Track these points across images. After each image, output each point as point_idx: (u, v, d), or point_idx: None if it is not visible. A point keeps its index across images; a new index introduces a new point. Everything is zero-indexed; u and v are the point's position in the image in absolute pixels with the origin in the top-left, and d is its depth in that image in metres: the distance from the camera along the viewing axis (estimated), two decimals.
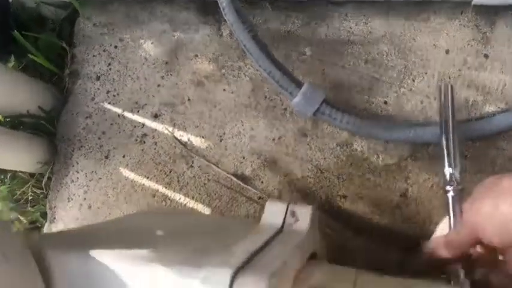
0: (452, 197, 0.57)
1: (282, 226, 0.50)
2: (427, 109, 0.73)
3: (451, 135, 0.61)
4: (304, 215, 0.51)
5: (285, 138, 0.78)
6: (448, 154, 0.60)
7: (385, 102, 0.74)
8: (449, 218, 0.56)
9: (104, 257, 0.41)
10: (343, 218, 0.75)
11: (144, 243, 0.44)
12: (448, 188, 0.57)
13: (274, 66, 0.71)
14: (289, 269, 0.41)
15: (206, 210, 0.82)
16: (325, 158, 0.76)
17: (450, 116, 0.62)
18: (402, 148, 0.73)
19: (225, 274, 0.35)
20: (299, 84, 0.71)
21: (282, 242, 0.45)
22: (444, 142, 0.61)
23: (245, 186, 0.79)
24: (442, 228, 0.59)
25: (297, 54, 0.80)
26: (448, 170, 0.59)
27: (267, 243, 0.44)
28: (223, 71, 0.84)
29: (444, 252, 0.52)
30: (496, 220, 0.45)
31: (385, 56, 0.76)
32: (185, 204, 0.83)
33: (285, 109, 0.79)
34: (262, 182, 0.79)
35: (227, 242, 0.45)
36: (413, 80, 0.74)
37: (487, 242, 0.47)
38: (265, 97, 0.81)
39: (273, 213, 0.51)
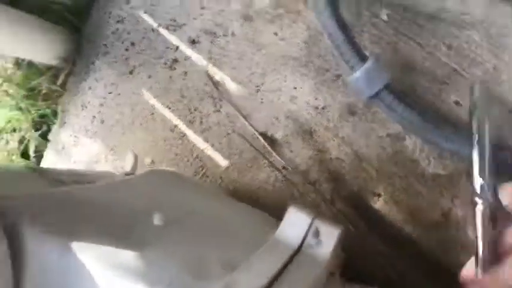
0: (482, 213, 0.46)
1: (301, 244, 0.46)
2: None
3: (486, 139, 0.51)
4: (329, 238, 0.46)
5: (329, 110, 0.72)
6: (481, 159, 0.50)
7: (457, 103, 0.65)
8: (476, 240, 0.46)
9: (87, 255, 0.38)
10: (371, 218, 0.71)
11: (138, 237, 0.41)
12: (477, 200, 0.47)
13: (339, 29, 0.62)
14: None
15: (223, 163, 0.78)
16: (368, 146, 0.70)
17: (484, 119, 0.52)
18: (460, 161, 0.66)
19: None
20: (363, 58, 0.62)
21: (298, 273, 0.41)
22: (476, 146, 0.51)
23: (271, 150, 0.74)
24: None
25: (370, 15, 0.69)
26: (478, 179, 0.49)
27: (280, 272, 0.40)
28: (279, 10, 0.75)
29: None
30: None
31: (474, 47, 0.65)
32: (202, 150, 0.80)
33: (338, 76, 0.71)
34: (291, 151, 0.74)
35: (234, 253, 0.42)
36: (499, 85, 0.65)
37: None
38: (319, 55, 0.72)
39: (294, 224, 0.47)
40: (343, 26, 0.62)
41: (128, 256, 0.38)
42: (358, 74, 0.62)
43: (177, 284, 0.36)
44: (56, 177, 0.59)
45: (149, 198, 0.49)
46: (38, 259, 0.39)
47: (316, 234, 0.46)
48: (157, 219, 0.45)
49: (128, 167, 0.69)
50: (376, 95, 0.63)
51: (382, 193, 0.69)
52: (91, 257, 0.37)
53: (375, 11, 0.69)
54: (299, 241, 0.46)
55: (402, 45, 0.67)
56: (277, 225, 0.49)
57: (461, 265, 0.52)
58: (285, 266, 0.42)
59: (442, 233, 0.67)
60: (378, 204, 0.70)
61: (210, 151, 0.79)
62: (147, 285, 0.35)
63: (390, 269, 0.72)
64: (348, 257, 0.64)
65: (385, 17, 0.69)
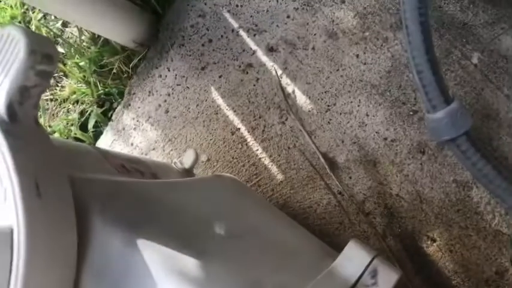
0: None
1: (356, 282, 0.46)
2: None
3: None
4: (386, 281, 0.45)
5: (398, 144, 0.71)
6: None
7: None
8: None
9: (151, 255, 0.39)
10: (421, 261, 0.70)
11: (201, 245, 0.42)
12: None
13: (429, 67, 0.62)
14: None
15: (278, 176, 0.79)
16: (432, 188, 0.69)
17: None
18: None
19: None
20: (447, 99, 0.62)
21: None
22: None
23: (330, 172, 0.74)
24: None
25: (460, 56, 0.69)
26: None
27: None
28: (366, 33, 0.75)
29: None
30: None
31: None
32: (260, 158, 0.81)
33: (415, 112, 0.71)
34: (350, 178, 0.74)
35: (290, 278, 0.42)
36: None
37: None
38: (400, 87, 0.72)
39: (352, 259, 0.46)
40: (435, 64, 0.62)
41: (190, 264, 0.39)
42: (440, 114, 0.61)
43: None
44: (118, 162, 0.61)
45: (213, 206, 0.50)
46: (101, 248, 0.40)
47: (374, 273, 0.46)
48: (220, 229, 0.45)
49: (187, 164, 0.70)
50: (453, 140, 0.62)
51: (438, 239, 0.68)
52: (154, 258, 0.38)
53: (466, 52, 0.68)
54: (355, 278, 0.45)
55: (488, 92, 0.66)
56: (333, 256, 0.49)
57: None
58: None
59: None
60: (431, 249, 0.69)
61: (267, 161, 0.80)
62: None
63: None
64: None
65: (475, 60, 0.68)
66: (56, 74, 1.14)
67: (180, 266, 0.38)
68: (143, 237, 0.40)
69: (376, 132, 0.72)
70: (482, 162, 0.62)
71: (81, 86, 1.06)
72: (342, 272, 0.45)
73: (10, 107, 0.38)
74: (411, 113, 0.70)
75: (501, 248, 0.65)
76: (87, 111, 1.06)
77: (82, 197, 0.42)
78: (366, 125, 0.73)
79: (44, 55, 0.38)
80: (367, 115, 0.73)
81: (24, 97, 0.39)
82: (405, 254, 0.70)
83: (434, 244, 0.69)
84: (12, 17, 1.24)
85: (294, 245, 0.52)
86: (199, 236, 0.44)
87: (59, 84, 1.14)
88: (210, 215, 0.49)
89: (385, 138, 0.72)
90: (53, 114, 1.11)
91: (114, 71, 0.99)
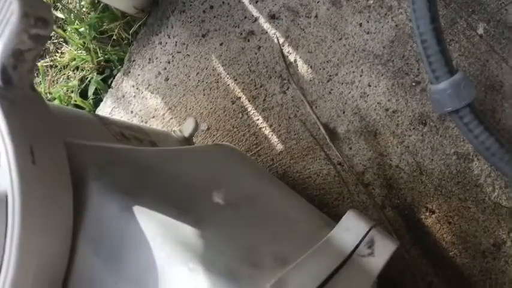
0: None
1: (352, 252, 0.46)
2: None
3: None
4: (383, 252, 0.45)
5: (400, 115, 0.70)
6: None
7: None
8: None
9: (148, 222, 0.38)
10: (418, 233, 0.70)
11: (198, 213, 0.42)
12: None
13: (434, 36, 0.60)
14: None
15: (278, 146, 0.78)
16: (432, 160, 0.68)
17: None
18: None
19: None
20: (451, 71, 0.60)
21: (347, 281, 0.41)
22: None
23: (330, 143, 0.74)
24: None
25: (465, 26, 0.67)
26: None
27: (330, 277, 0.40)
28: (370, 1, 0.73)
29: None
30: None
31: None
32: (260, 128, 0.80)
33: (418, 83, 0.69)
34: (350, 148, 0.73)
35: (288, 246, 0.42)
36: None
37: None
38: (403, 57, 0.71)
39: (349, 229, 0.46)
40: (439, 34, 0.60)
41: (188, 231, 0.39)
42: (443, 85, 0.60)
43: (232, 268, 0.37)
44: (117, 130, 0.61)
45: (212, 174, 0.50)
46: (97, 215, 0.40)
47: (371, 244, 0.46)
48: (218, 197, 0.45)
49: (187, 132, 0.70)
50: (457, 111, 0.61)
51: (436, 210, 0.68)
52: (151, 225, 0.38)
53: (472, 22, 0.66)
54: (352, 248, 0.45)
55: (493, 64, 0.65)
56: (332, 226, 0.49)
57: None
58: (336, 271, 0.42)
59: (488, 262, 0.66)
60: (429, 220, 0.69)
61: (267, 131, 0.79)
62: (204, 265, 0.36)
63: (425, 287, 0.71)
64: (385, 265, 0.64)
65: (481, 31, 0.66)
66: (55, 40, 1.13)
67: (176, 233, 0.38)
68: (140, 204, 0.40)
69: (378, 103, 0.71)
70: (485, 135, 0.61)
71: (81, 53, 1.05)
72: (339, 241, 0.45)
73: (4, 71, 0.37)
74: (414, 83, 0.69)
75: (500, 220, 0.65)
76: (87, 78, 1.05)
77: (79, 163, 0.42)
78: (367, 95, 0.72)
79: (37, 18, 0.38)
80: (369, 85, 0.72)
81: (19, 61, 0.38)
82: (403, 225, 0.70)
83: (433, 216, 0.69)
84: None
85: (293, 215, 0.52)
86: (197, 204, 0.44)
87: (59, 51, 1.12)
88: (208, 184, 0.48)
89: (387, 109, 0.71)
90: (53, 81, 1.10)
91: (114, 37, 0.97)
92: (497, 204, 0.65)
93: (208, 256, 0.37)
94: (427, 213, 0.69)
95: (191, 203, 0.44)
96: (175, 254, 0.36)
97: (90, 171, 0.42)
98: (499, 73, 0.64)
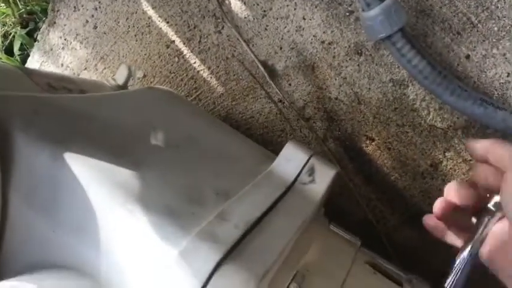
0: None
1: (294, 181, 0.46)
2: (509, 87, 0.65)
3: None
4: (324, 177, 0.46)
5: (336, 47, 0.70)
6: None
7: (467, 57, 0.65)
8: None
9: (81, 168, 0.37)
10: (360, 161, 0.72)
11: (134, 156, 0.41)
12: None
13: None
14: (283, 255, 0.38)
15: (218, 88, 0.77)
16: (369, 89, 0.69)
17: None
18: (459, 116, 0.66)
19: (209, 258, 0.33)
20: None
21: (289, 208, 0.42)
22: None
23: (270, 81, 0.73)
24: None
25: None
26: None
27: (273, 206, 0.41)
28: None
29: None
30: None
31: (496, 0, 0.64)
32: (198, 71, 0.78)
33: (351, 12, 0.69)
34: (289, 85, 0.73)
35: (229, 182, 0.42)
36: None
37: None
38: None
39: (290, 159, 0.47)
40: None
41: (124, 174, 0.38)
42: (374, 11, 0.60)
43: (172, 207, 0.37)
44: (44, 81, 0.58)
45: (146, 117, 0.49)
46: (27, 165, 0.39)
47: (311, 171, 0.47)
48: (155, 140, 0.44)
49: (120, 80, 0.67)
50: (389, 37, 0.61)
51: (376, 138, 0.70)
52: (85, 171, 0.37)
53: None
54: (293, 177, 0.46)
55: None
56: (272, 159, 0.49)
57: None
58: (278, 200, 0.43)
59: (427, 183, 0.69)
60: (370, 148, 0.71)
61: (206, 74, 0.78)
62: (143, 206, 0.35)
63: (370, 212, 0.74)
64: (331, 195, 0.65)
65: None
66: None
67: (113, 177, 0.37)
68: (72, 151, 0.39)
69: (314, 36, 0.71)
70: (418, 59, 0.62)
71: (0, 6, 0.98)
72: (280, 172, 0.46)
73: None
74: (347, 13, 0.69)
75: (435, 142, 0.67)
76: (10, 33, 0.98)
77: (2, 115, 0.40)
78: (303, 29, 0.71)
79: None
80: (304, 18, 0.71)
81: None
82: (346, 156, 0.72)
83: (373, 143, 0.70)
84: None
85: (234, 152, 0.52)
86: (133, 148, 0.43)
87: None
88: (143, 127, 0.47)
89: (323, 42, 0.70)
90: None
91: None
92: (432, 127, 0.67)
93: (147, 197, 0.37)
94: (368, 142, 0.71)
95: (127, 147, 0.42)
96: (113, 197, 0.36)
97: (14, 123, 0.40)
98: None
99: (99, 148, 0.41)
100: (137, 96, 0.53)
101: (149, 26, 0.80)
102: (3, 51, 1.01)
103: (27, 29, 0.96)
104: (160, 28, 0.79)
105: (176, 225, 0.36)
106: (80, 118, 0.45)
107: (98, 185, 0.37)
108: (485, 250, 0.44)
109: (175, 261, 0.34)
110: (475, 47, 0.64)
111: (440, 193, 0.67)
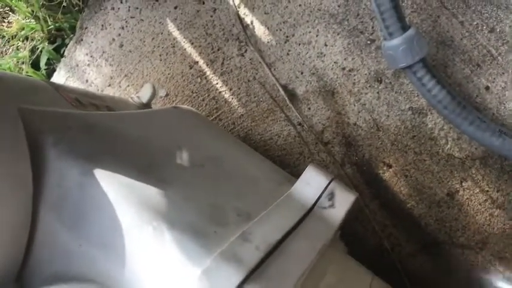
0: None
1: (314, 205, 0.47)
2: None
3: None
4: (343, 203, 0.47)
5: (356, 74, 0.72)
6: None
7: (487, 88, 0.66)
8: None
9: (109, 185, 0.38)
10: (377, 187, 0.72)
11: (160, 174, 0.42)
12: None
13: None
14: (302, 279, 0.39)
15: (239, 109, 0.79)
16: (388, 116, 0.70)
17: None
18: (477, 146, 0.67)
19: (231, 279, 0.33)
20: (404, 27, 0.62)
21: (307, 237, 0.42)
22: None
23: (290, 104, 0.75)
24: None
25: None
26: None
27: (290, 231, 0.42)
28: None
29: None
30: None
31: None
32: (220, 92, 0.80)
33: (373, 41, 0.71)
34: (309, 109, 0.75)
35: (251, 203, 0.43)
36: None
37: None
38: (357, 15, 0.71)
39: (310, 183, 0.48)
40: None
41: (151, 192, 0.39)
42: (396, 41, 0.61)
43: (196, 226, 0.38)
44: (72, 96, 0.59)
45: (172, 136, 0.50)
46: (57, 179, 0.40)
47: (331, 196, 0.47)
48: (180, 158, 0.45)
49: (145, 98, 0.69)
50: (410, 67, 0.63)
51: (393, 164, 0.71)
52: (113, 187, 0.38)
53: None
54: (313, 200, 0.47)
55: (444, 20, 0.67)
56: (293, 182, 0.50)
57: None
58: (298, 223, 0.44)
59: (443, 211, 0.69)
60: (387, 174, 0.71)
61: (227, 95, 0.79)
62: (168, 224, 0.36)
63: (385, 238, 0.74)
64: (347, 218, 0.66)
65: None
66: (0, 9, 1.08)
67: (139, 194, 0.39)
68: (100, 167, 0.40)
69: (335, 62, 0.72)
70: (437, 88, 0.63)
71: (30, 22, 1.01)
72: (300, 195, 0.47)
73: None
74: (369, 42, 0.70)
75: (452, 171, 0.68)
76: (38, 48, 1.01)
77: (34, 130, 0.41)
78: (324, 55, 0.73)
79: None
80: (326, 45, 0.73)
81: None
82: (362, 181, 0.73)
83: (390, 170, 0.71)
84: None
85: (255, 173, 0.53)
86: (159, 166, 0.44)
87: (6, 20, 1.08)
88: (169, 145, 0.48)
89: (343, 68, 0.72)
90: (1, 52, 1.06)
91: (64, 4, 0.94)
92: (450, 156, 0.68)
93: (172, 214, 0.38)
94: (385, 168, 0.71)
95: (153, 165, 0.44)
96: (139, 214, 0.37)
97: (46, 138, 0.41)
98: (450, 28, 0.66)
99: (126, 165, 0.42)
100: (164, 115, 0.54)
101: (174, 46, 0.82)
102: (29, 65, 1.04)
103: (55, 45, 0.99)
104: (185, 49, 0.81)
105: (200, 244, 0.37)
106: (108, 135, 0.46)
107: (126, 202, 0.38)
108: None
109: (198, 280, 0.34)
110: (494, 78, 0.65)
111: (456, 222, 0.67)
